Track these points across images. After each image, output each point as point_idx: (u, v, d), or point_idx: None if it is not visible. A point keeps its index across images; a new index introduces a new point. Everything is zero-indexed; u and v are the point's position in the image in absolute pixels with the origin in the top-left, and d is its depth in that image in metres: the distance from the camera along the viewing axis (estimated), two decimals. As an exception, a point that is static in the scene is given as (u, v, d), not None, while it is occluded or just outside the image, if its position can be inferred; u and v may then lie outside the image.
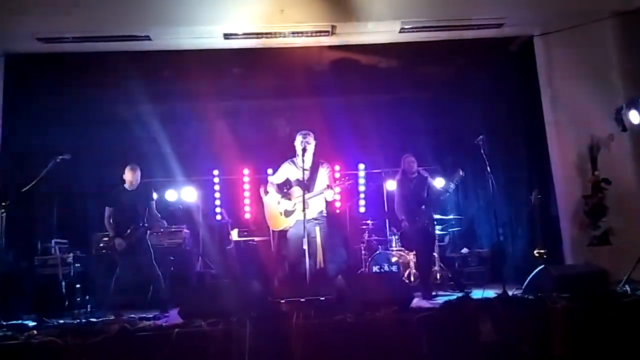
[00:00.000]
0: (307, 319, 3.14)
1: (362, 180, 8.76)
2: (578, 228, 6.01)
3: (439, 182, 8.22)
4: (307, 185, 4.58)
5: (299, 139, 4.85)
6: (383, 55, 7.48)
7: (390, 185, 8.46)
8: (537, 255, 6.49)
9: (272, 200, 4.91)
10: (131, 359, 3.06)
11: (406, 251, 6.89)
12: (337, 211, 8.46)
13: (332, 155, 8.34)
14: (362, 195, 8.67)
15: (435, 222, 6.22)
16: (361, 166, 8.75)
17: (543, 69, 6.38)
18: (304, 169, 4.59)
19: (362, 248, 7.41)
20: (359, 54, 7.38)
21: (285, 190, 4.92)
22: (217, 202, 8.13)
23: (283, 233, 4.93)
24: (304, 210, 4.29)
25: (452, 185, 5.60)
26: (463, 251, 7.59)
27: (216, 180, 8.26)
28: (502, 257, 7.07)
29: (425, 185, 5.79)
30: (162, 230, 6.32)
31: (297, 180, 4.81)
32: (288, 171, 4.99)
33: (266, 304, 3.41)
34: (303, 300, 3.34)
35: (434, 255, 6.66)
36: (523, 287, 4.06)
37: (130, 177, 5.03)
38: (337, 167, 8.52)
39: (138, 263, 4.97)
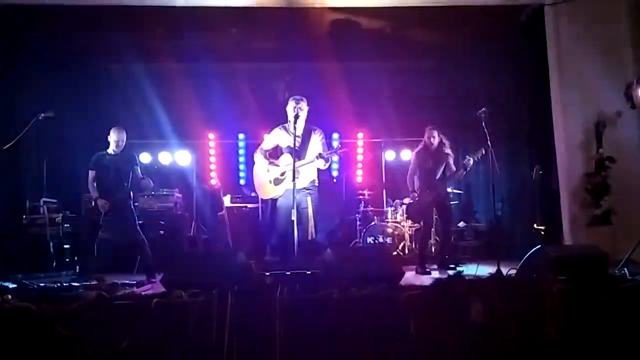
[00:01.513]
0: (291, 294, 3.02)
1: (360, 150, 8.60)
2: (579, 206, 5.85)
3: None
4: (298, 152, 4.40)
5: (291, 104, 4.65)
6: (386, 19, 7.18)
7: (389, 155, 8.34)
8: (535, 230, 6.40)
9: (261, 168, 4.74)
10: (107, 327, 2.95)
11: (403, 222, 6.79)
12: (334, 180, 8.34)
13: (331, 123, 8.19)
14: (360, 165, 8.53)
15: (451, 196, 6.12)
16: (360, 135, 8.57)
17: (552, 40, 6.09)
18: (295, 136, 4.39)
19: (358, 218, 7.32)
20: (361, 17, 7.08)
21: (275, 157, 4.74)
22: (212, 167, 7.98)
23: (273, 202, 4.77)
24: (293, 179, 4.12)
25: (472, 163, 5.43)
26: (460, 225, 7.49)
27: (211, 144, 8.09)
28: (499, 232, 6.96)
29: (445, 161, 5.64)
30: (152, 193, 6.21)
31: (288, 147, 4.62)
32: (279, 137, 4.79)
33: (250, 276, 3.30)
34: (289, 273, 3.22)
35: (432, 230, 6.56)
36: (518, 267, 3.93)
37: (116, 137, 4.85)
38: (335, 135, 8.35)
39: (121, 226, 4.86)
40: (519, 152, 7.00)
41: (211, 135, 8.10)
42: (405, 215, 6.88)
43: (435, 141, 5.59)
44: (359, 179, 8.40)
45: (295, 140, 4.38)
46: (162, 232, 6.10)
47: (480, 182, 7.91)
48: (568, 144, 6.00)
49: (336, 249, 3.79)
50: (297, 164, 4.30)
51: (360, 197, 7.49)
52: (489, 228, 7.43)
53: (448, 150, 5.66)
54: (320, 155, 4.40)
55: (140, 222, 5.44)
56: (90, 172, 4.90)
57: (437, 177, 5.56)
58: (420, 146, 5.76)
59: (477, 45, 7.40)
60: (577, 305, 3.16)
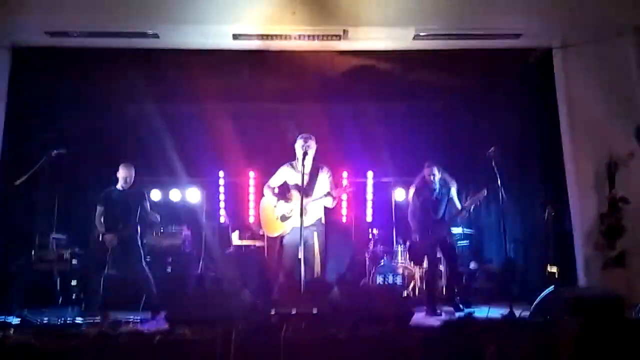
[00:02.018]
0: (297, 333, 2.94)
1: (370, 189, 8.57)
2: (593, 248, 5.74)
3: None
4: (305, 190, 4.41)
5: (299, 142, 4.70)
6: (396, 62, 7.31)
7: (399, 194, 8.30)
8: (549, 272, 6.26)
9: (269, 204, 4.74)
10: (109, 365, 2.89)
11: (412, 264, 6.68)
12: (344, 219, 8.29)
13: (341, 162, 8.22)
14: (369, 204, 8.48)
15: (459, 236, 5.97)
16: (370, 174, 8.56)
17: (561, 82, 6.15)
18: (303, 173, 4.43)
19: (367, 258, 7.22)
20: (371, 60, 7.21)
21: (282, 195, 4.74)
22: (222, 204, 7.99)
23: (279, 239, 4.75)
24: (301, 216, 4.11)
25: (474, 205, 5.36)
26: (471, 266, 7.35)
27: (221, 182, 8.12)
28: (511, 274, 6.81)
29: (447, 197, 5.53)
30: (161, 230, 6.21)
31: (296, 184, 4.63)
32: (286, 174, 4.82)
33: (255, 314, 3.23)
34: (294, 312, 3.15)
35: (440, 270, 6.45)
36: (531, 309, 3.81)
37: (124, 174, 4.91)
38: (344, 174, 8.36)
39: (128, 262, 4.83)
40: (531, 193, 6.94)
41: (221, 173, 8.14)
42: (407, 256, 6.75)
43: (436, 178, 5.50)
44: (369, 218, 8.34)
45: (303, 177, 4.40)
46: (169, 269, 6.06)
47: (492, 222, 7.82)
48: (580, 184, 5.95)
49: (344, 288, 3.71)
50: (305, 201, 4.30)
51: (370, 236, 7.42)
52: (501, 269, 7.28)
53: (451, 183, 5.57)
54: (328, 194, 4.41)
55: (148, 259, 5.43)
56: (98, 207, 4.95)
57: (439, 217, 5.46)
58: (418, 184, 5.66)
59: (487, 87, 7.47)
60: (592, 350, 3.03)
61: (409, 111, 8.40)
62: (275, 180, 4.89)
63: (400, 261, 6.89)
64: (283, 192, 4.80)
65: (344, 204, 8.36)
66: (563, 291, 3.74)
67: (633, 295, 4.36)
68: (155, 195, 7.67)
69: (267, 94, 8.08)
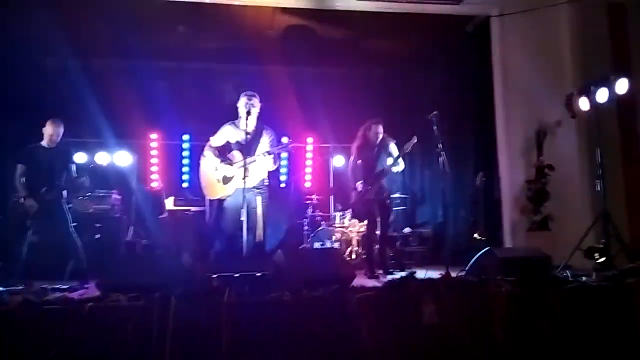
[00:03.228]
0: (240, 296, 2.86)
1: (309, 155, 8.52)
2: (519, 212, 6.03)
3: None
4: (248, 149, 4.24)
5: (243, 100, 4.49)
6: (337, 24, 7.19)
7: (338, 161, 8.31)
8: (477, 239, 6.53)
9: (210, 166, 4.54)
10: (34, 336, 2.67)
11: (350, 227, 6.74)
12: (282, 185, 8.21)
13: (280, 127, 8.05)
14: (308, 170, 8.44)
15: (396, 200, 5.94)
16: (309, 139, 8.49)
17: (497, 50, 6.30)
18: (247, 133, 4.23)
19: (305, 223, 7.21)
20: (312, 21, 7.04)
21: (224, 155, 4.55)
22: (154, 168, 7.63)
23: (221, 202, 4.56)
24: (244, 176, 3.94)
25: (404, 152, 5.33)
26: (405, 231, 7.55)
27: (154, 144, 7.73)
28: (443, 239, 7.06)
29: (387, 153, 5.48)
30: (88, 194, 5.83)
31: (238, 143, 4.45)
32: (229, 134, 4.61)
33: (195, 279, 3.10)
34: (237, 275, 3.05)
35: (377, 233, 6.53)
36: (467, 269, 3.95)
37: (51, 131, 4.48)
38: (284, 139, 8.20)
39: (52, 228, 4.49)
40: (464, 159, 7.14)
41: (153, 136, 7.75)
42: (351, 215, 6.75)
43: (380, 137, 5.48)
44: (307, 184, 8.31)
45: (246, 137, 4.21)
46: (98, 235, 5.72)
47: (425, 187, 8.02)
48: (510, 151, 6.18)
49: (287, 251, 3.65)
50: (249, 159, 4.14)
51: (308, 202, 7.40)
52: (434, 234, 7.53)
53: (389, 139, 5.51)
54: (269, 152, 4.26)
55: (74, 224, 5.09)
56: (19, 166, 4.47)
57: (376, 171, 5.43)
58: (361, 142, 5.56)
59: (426, 53, 7.55)
60: (523, 306, 3.19)
61: (349, 76, 8.35)
62: (217, 140, 4.68)
63: (337, 226, 6.94)
64: (225, 152, 4.60)
65: (283, 170, 8.28)
66: (496, 252, 3.89)
67: (556, 256, 4.62)
68: (81, 158, 7.17)
69: (204, 52, 7.74)
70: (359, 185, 5.39)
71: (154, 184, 7.38)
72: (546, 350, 3.12)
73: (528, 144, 6.11)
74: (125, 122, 7.55)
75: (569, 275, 3.76)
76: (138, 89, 7.57)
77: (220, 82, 8.13)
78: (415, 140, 5.20)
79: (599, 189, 4.81)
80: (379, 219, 5.66)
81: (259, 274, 3.06)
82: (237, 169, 4.31)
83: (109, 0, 6.24)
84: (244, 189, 3.95)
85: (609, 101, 4.97)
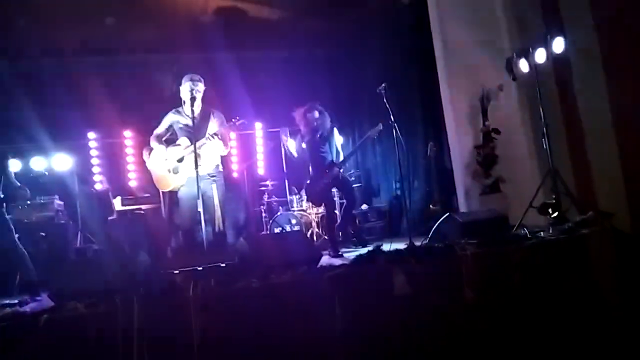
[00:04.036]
0: (206, 289, 2.74)
1: (259, 140, 8.37)
2: (471, 178, 6.15)
3: (338, 140, 8.13)
4: (197, 134, 4.00)
5: (186, 85, 4.24)
6: (271, 5, 7.06)
7: (290, 144, 8.20)
8: (432, 209, 6.66)
9: (158, 157, 4.30)
10: (-15, 358, 2.46)
11: (309, 210, 6.70)
12: (235, 175, 8.04)
13: (226, 114, 7.84)
14: (260, 156, 8.30)
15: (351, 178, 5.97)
16: (258, 125, 8.34)
17: (435, 19, 6.33)
18: (193, 118, 4.01)
19: (263, 210, 7.11)
20: (245, 2, 6.87)
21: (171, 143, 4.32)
22: (96, 169, 7.26)
23: (175, 195, 4.34)
24: (195, 163, 3.73)
25: (370, 138, 5.38)
26: (363, 207, 7.59)
27: (92, 144, 7.35)
28: (400, 212, 7.15)
29: (332, 136, 5.50)
30: (28, 202, 5.47)
31: (185, 129, 4.22)
32: (173, 121, 4.38)
33: (157, 276, 2.95)
34: (201, 268, 2.92)
35: (336, 213, 6.54)
36: (429, 236, 4.00)
37: None
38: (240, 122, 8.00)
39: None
40: (413, 132, 7.22)
41: (91, 135, 7.36)
42: (305, 199, 6.73)
43: (317, 122, 5.45)
44: (261, 171, 8.18)
45: (194, 121, 4.00)
46: (44, 245, 5.38)
47: (378, 162, 8.08)
48: (457, 119, 6.27)
49: (250, 239, 3.55)
50: (198, 143, 3.93)
51: (264, 188, 7.29)
52: (390, 207, 7.62)
53: (335, 129, 5.55)
54: (215, 134, 4.07)
55: (17, 235, 4.76)
56: None
57: (330, 157, 5.45)
58: (303, 130, 5.57)
59: (365, 28, 7.53)
60: (489, 266, 3.25)
61: (291, 59, 8.23)
62: (161, 128, 4.44)
63: (296, 210, 6.89)
64: (171, 141, 4.37)
65: (234, 159, 8.10)
66: (456, 217, 3.95)
67: (510, 216, 4.74)
68: (15, 165, 6.71)
69: (137, 43, 7.40)
70: (311, 173, 5.40)
71: (98, 186, 7.02)
72: (513, 304, 3.20)
73: (473, 110, 6.21)
74: (61, 124, 7.15)
75: (527, 232, 3.87)
76: (71, 87, 7.18)
77: (159, 73, 7.81)
78: (381, 128, 5.22)
79: (545, 146, 4.95)
80: (337, 199, 5.67)
81: (223, 265, 2.94)
82: (187, 153, 4.10)
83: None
84: (197, 176, 3.74)
85: (546, 61, 5.11)
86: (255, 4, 6.93)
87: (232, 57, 7.65)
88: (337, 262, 3.67)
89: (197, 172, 3.71)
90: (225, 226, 4.03)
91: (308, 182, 5.45)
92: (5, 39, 6.35)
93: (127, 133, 7.47)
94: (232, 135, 8.10)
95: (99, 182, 7.09)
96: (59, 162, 6.92)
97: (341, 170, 5.42)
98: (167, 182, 4.23)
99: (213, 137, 4.07)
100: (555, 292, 3.21)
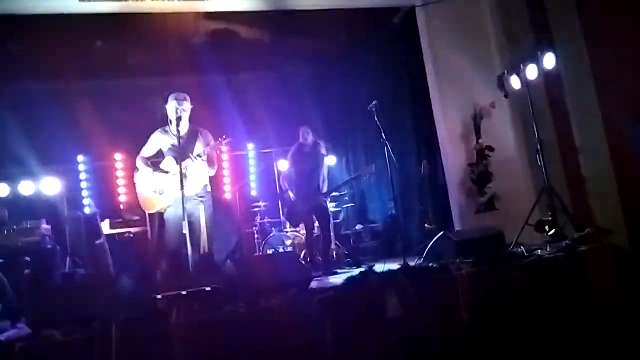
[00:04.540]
0: (190, 315, 2.62)
1: (252, 162, 8.30)
2: (466, 196, 6.09)
3: (330, 160, 8.09)
4: (183, 154, 3.91)
5: (172, 104, 4.16)
6: (262, 27, 7.06)
7: (283, 165, 8.13)
8: (428, 228, 6.56)
9: (143, 178, 4.20)
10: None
11: (302, 231, 6.59)
12: (227, 196, 7.94)
13: (217, 135, 7.79)
14: (252, 177, 8.21)
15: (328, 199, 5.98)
16: (250, 146, 8.27)
17: (426, 39, 6.35)
18: (179, 137, 3.92)
19: (255, 232, 6.98)
20: (237, 25, 6.88)
21: (158, 164, 4.22)
22: (85, 193, 7.14)
23: (162, 216, 4.22)
24: (181, 183, 3.62)
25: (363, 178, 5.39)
26: (357, 227, 7.49)
27: (82, 167, 7.25)
28: (395, 231, 7.04)
29: (322, 165, 5.54)
30: (14, 227, 5.35)
31: (171, 149, 4.12)
32: (160, 141, 4.29)
33: (138, 302, 2.82)
34: (185, 293, 2.80)
35: (331, 234, 6.44)
36: (424, 256, 3.89)
37: None
38: (224, 148, 7.94)
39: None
40: (406, 151, 7.16)
41: (80, 158, 7.27)
42: (284, 218, 6.67)
43: (310, 141, 5.45)
44: (254, 192, 8.08)
45: (179, 141, 3.91)
46: (27, 271, 5.22)
47: (372, 182, 8.00)
48: (450, 137, 6.24)
49: (237, 261, 3.43)
50: (183, 164, 3.84)
51: (256, 209, 7.17)
52: (385, 227, 7.51)
53: (324, 152, 5.57)
54: (199, 155, 3.98)
55: (1, 261, 4.64)
56: None
57: (315, 185, 5.42)
58: (294, 150, 5.62)
59: (356, 48, 7.53)
60: (485, 285, 3.14)
61: (283, 79, 8.22)
62: (148, 150, 4.35)
63: (290, 231, 6.76)
64: (157, 162, 4.28)
65: (227, 180, 8.01)
66: (451, 236, 3.85)
67: (506, 234, 4.66)
68: (2, 190, 6.61)
69: (128, 67, 7.35)
70: (291, 194, 5.50)
71: (87, 210, 6.90)
72: (511, 325, 3.09)
73: (466, 128, 6.19)
74: (50, 147, 7.06)
75: (524, 250, 3.77)
76: (61, 111, 7.12)
77: (150, 97, 7.76)
78: (374, 170, 5.26)
79: (539, 163, 4.89)
80: (316, 223, 5.68)
81: (208, 289, 2.82)
82: (172, 177, 4.01)
83: (20, 20, 5.79)
84: (182, 198, 3.63)
85: (537, 77, 5.09)
86: (246, 26, 6.92)
87: (223, 79, 7.64)
88: (328, 283, 3.56)
89: (182, 193, 3.60)
90: (211, 248, 3.90)
91: (293, 199, 5.45)
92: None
93: (118, 156, 7.39)
94: (225, 156, 8.04)
95: (87, 206, 6.96)
96: (47, 186, 6.80)
97: (327, 201, 5.36)
98: (153, 203, 4.11)
99: (197, 159, 3.98)
100: (554, 311, 3.10)
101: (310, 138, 5.49)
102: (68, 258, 6.08)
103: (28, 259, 5.14)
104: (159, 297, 2.77)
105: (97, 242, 5.55)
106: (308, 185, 5.39)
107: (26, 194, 6.60)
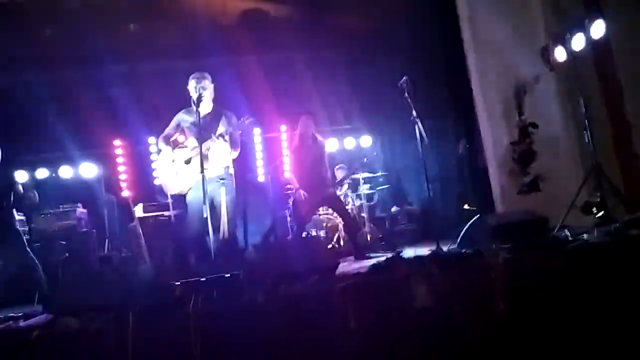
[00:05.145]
0: (208, 303, 2.53)
1: (285, 143, 8.19)
2: (507, 176, 5.75)
3: (366, 141, 7.87)
4: (204, 135, 3.78)
5: (191, 83, 4.07)
6: (292, 4, 6.88)
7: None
8: (466, 209, 6.30)
9: (165, 159, 4.13)
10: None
11: (334, 213, 6.46)
12: (260, 178, 7.89)
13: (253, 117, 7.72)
14: (285, 159, 8.11)
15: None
16: (283, 127, 8.16)
17: (463, 10, 5.97)
18: (198, 117, 3.77)
19: (288, 214, 6.89)
20: (265, 2, 6.72)
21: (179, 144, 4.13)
22: (123, 177, 7.24)
23: (184, 199, 4.14)
24: (201, 164, 3.51)
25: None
26: (393, 210, 7.29)
27: (119, 151, 7.34)
28: (432, 214, 6.80)
29: (324, 151, 5.41)
30: (50, 211, 5.47)
31: (194, 127, 3.99)
32: (181, 119, 4.19)
33: (156, 290, 2.76)
34: (203, 279, 2.72)
35: (363, 216, 6.29)
36: (458, 241, 3.66)
37: None
38: (257, 130, 7.87)
39: (5, 251, 4.11)
40: (443, 129, 6.87)
41: (117, 142, 7.36)
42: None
43: (311, 131, 5.30)
44: (287, 174, 7.97)
45: (201, 120, 3.79)
46: (66, 254, 5.33)
47: (409, 162, 7.76)
48: (490, 114, 5.88)
49: (259, 247, 3.32)
50: (204, 145, 3.73)
51: (289, 192, 7.07)
52: (422, 210, 7.28)
53: (322, 139, 5.43)
54: (222, 134, 3.85)
55: (37, 244, 4.73)
56: None
57: (321, 176, 5.26)
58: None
59: (389, 24, 7.23)
60: (524, 274, 2.90)
61: (314, 58, 8.03)
62: (169, 129, 4.27)
63: (322, 213, 6.64)
64: (178, 142, 4.19)
65: (260, 162, 7.95)
66: (488, 218, 3.61)
67: (552, 217, 4.36)
68: (42, 173, 6.80)
69: (162, 50, 7.35)
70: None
71: (124, 193, 6.99)
72: (551, 317, 2.84)
73: (507, 104, 5.81)
74: (88, 132, 7.20)
75: (569, 234, 3.48)
76: (97, 96, 7.24)
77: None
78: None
79: (587, 140, 4.53)
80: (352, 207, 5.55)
81: (228, 275, 2.72)
82: (193, 155, 3.91)
83: (52, 7, 5.85)
84: (203, 180, 3.50)
85: (585, 47, 4.69)
86: (276, 3, 6.76)
87: (254, 59, 7.55)
88: (355, 269, 3.40)
89: (203, 175, 3.50)
90: (233, 232, 3.81)
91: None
92: (30, 47, 6.40)
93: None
94: (257, 138, 7.97)
95: (124, 190, 7.06)
96: (85, 170, 6.96)
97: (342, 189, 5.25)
98: (175, 185, 4.05)
99: (219, 138, 3.87)
100: (600, 303, 2.83)
101: (312, 128, 5.30)
102: (107, 241, 6.20)
103: (63, 242, 5.25)
104: (177, 283, 2.71)
105: (130, 225, 5.60)
106: (313, 177, 5.19)
107: (66, 177, 6.77)
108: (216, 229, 3.64)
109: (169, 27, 6.95)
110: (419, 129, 4.18)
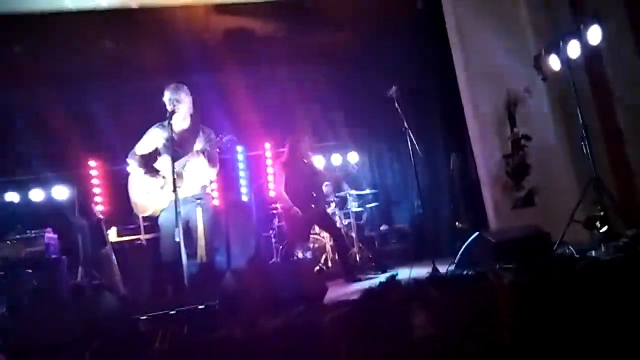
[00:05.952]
0: (176, 340, 2.20)
1: (269, 162, 7.92)
2: (501, 190, 5.54)
3: (352, 157, 7.64)
4: (177, 152, 3.46)
5: (166, 95, 3.75)
6: (277, 20, 6.69)
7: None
8: (458, 227, 6.07)
9: (135, 178, 3.81)
10: None
11: (322, 234, 6.16)
12: (244, 198, 7.59)
13: (235, 137, 7.45)
14: (270, 178, 7.83)
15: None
16: (267, 145, 7.90)
17: (452, 23, 5.83)
18: (171, 131, 3.47)
19: (272, 235, 6.58)
20: (249, 17, 6.52)
21: (150, 164, 3.79)
22: (98, 199, 6.88)
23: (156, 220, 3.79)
24: (174, 188, 3.19)
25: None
26: (382, 228, 7.02)
27: (94, 172, 6.99)
28: (423, 231, 6.54)
29: (316, 171, 5.29)
30: (17, 236, 5.08)
31: (167, 144, 3.68)
32: (156, 137, 3.85)
33: (119, 325, 2.42)
34: (173, 312, 2.39)
35: (352, 236, 6.01)
36: (456, 261, 3.38)
37: None
38: (239, 148, 7.59)
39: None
40: (433, 143, 6.66)
41: (92, 162, 7.01)
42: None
43: (302, 149, 5.15)
44: (272, 193, 7.69)
45: (175, 137, 3.46)
46: (35, 283, 4.93)
47: (398, 179, 7.53)
48: (481, 127, 5.70)
49: (239, 273, 3.00)
50: (180, 162, 3.40)
51: (274, 211, 6.77)
52: (412, 227, 7.02)
53: (309, 158, 5.27)
54: (199, 151, 3.55)
55: (2, 273, 4.36)
56: None
57: (309, 193, 5.08)
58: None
59: (377, 38, 7.06)
60: (531, 297, 2.62)
61: (300, 73, 7.83)
62: (142, 146, 3.91)
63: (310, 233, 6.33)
64: (151, 160, 3.84)
65: (242, 181, 7.66)
66: (487, 236, 3.34)
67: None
68: (12, 197, 6.42)
69: (140, 67, 7.08)
70: (296, 209, 4.98)
71: (99, 215, 6.62)
72: (564, 346, 2.55)
73: (499, 116, 5.65)
74: (61, 153, 6.86)
75: (573, 251, 3.23)
76: (72, 115, 6.90)
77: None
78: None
79: (585, 151, 4.32)
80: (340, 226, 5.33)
81: (201, 307, 2.40)
82: (164, 180, 3.60)
83: (23, 20, 5.57)
84: (176, 200, 3.18)
85: (579, 55, 4.51)
86: (260, 19, 6.56)
87: (238, 76, 7.31)
88: (349, 290, 3.10)
89: (175, 194, 3.18)
90: (211, 257, 3.47)
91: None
92: (2, 64, 6.10)
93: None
94: (240, 157, 7.69)
95: (97, 212, 6.69)
96: (58, 193, 6.59)
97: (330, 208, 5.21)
98: (146, 206, 3.68)
99: (199, 155, 3.55)
100: (617, 326, 2.55)
101: (307, 146, 5.10)
102: (79, 267, 5.80)
103: (29, 270, 4.86)
104: (143, 317, 2.38)
105: (102, 250, 5.22)
106: (307, 195, 4.96)
107: (36, 201, 6.39)
108: (193, 254, 3.31)
109: (148, 43, 6.69)
110: (410, 140, 3.93)
